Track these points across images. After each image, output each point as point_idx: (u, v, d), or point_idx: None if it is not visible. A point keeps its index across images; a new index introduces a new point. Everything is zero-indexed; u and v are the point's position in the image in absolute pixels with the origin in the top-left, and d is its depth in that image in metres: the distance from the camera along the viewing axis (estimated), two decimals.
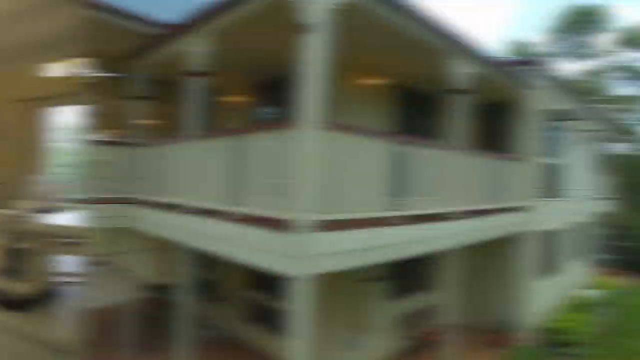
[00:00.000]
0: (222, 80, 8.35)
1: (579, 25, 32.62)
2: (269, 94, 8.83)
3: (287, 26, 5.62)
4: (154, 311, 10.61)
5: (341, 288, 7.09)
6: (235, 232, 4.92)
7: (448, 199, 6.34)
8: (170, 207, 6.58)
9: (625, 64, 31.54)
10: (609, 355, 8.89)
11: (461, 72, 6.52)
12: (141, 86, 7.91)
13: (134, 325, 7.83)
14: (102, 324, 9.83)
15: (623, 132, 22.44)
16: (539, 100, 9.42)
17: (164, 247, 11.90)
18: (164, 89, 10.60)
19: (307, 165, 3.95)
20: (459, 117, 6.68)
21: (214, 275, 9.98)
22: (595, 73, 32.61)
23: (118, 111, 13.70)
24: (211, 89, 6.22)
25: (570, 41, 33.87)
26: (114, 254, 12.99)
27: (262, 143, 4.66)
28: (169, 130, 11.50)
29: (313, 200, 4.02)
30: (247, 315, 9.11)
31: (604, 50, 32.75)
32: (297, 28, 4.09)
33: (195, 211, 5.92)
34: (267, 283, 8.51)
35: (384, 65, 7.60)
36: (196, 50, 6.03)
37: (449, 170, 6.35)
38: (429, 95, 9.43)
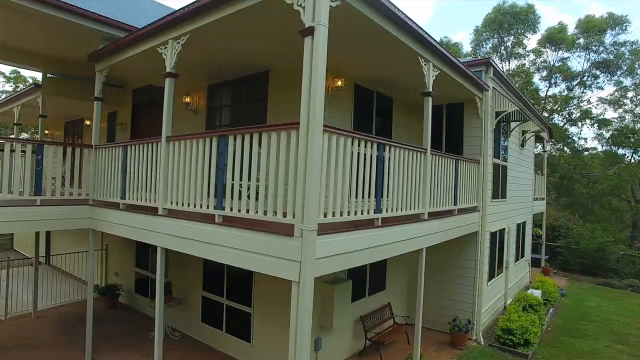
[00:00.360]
0: (186, 81, 8.45)
1: (506, 25, 34.97)
2: (228, 95, 9.02)
3: (271, 29, 5.88)
4: (107, 311, 10.57)
5: None
6: (223, 235, 4.99)
7: (419, 200, 6.80)
8: (140, 208, 6.57)
9: (551, 64, 34.24)
10: (560, 355, 9.69)
11: (428, 73, 6.97)
12: (100, 88, 7.80)
13: (87, 325, 7.77)
14: (54, 325, 9.82)
15: (553, 133, 24.50)
16: (489, 102, 10.19)
17: (118, 248, 11.62)
18: (120, 92, 10.48)
19: (312, 167, 4.09)
20: (425, 119, 7.15)
21: (170, 276, 9.96)
22: (522, 73, 35.14)
23: (77, 112, 13.23)
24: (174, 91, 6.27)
25: (497, 41, 36.30)
26: (65, 254, 12.64)
27: (252, 144, 4.79)
28: (131, 131, 11.24)
29: (317, 204, 4.19)
30: (203, 316, 9.19)
31: (531, 50, 35.43)
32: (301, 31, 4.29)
33: (171, 213, 5.95)
34: (225, 285, 8.67)
35: (353, 66, 7.93)
36: (165, 52, 6.11)
37: (419, 172, 6.78)
38: (390, 98, 10.04)
